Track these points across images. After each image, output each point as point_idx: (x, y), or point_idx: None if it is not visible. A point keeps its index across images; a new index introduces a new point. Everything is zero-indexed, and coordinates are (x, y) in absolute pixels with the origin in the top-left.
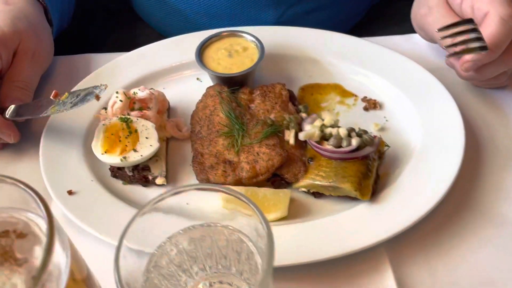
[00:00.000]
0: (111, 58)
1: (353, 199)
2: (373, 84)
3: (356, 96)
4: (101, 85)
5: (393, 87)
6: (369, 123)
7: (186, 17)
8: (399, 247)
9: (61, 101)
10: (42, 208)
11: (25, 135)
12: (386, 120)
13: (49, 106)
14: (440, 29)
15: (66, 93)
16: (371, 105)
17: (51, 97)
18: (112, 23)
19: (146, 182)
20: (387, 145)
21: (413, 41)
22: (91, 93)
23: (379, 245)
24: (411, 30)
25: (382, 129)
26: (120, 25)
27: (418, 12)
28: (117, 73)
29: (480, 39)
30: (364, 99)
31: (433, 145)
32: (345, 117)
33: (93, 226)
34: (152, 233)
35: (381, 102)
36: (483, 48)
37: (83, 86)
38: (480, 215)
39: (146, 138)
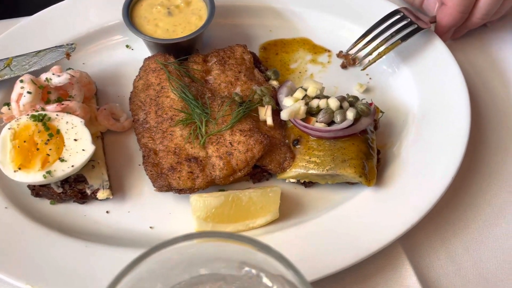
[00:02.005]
0: None
1: (352, 183)
2: (347, 35)
3: (329, 51)
4: (67, 44)
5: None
6: (351, 83)
7: None
8: (413, 234)
9: (5, 66)
10: None
11: None
12: (370, 79)
13: None
14: (351, 48)
15: (11, 58)
16: (350, 61)
17: None
18: None
19: (84, 198)
20: (382, 111)
21: None
22: (57, 52)
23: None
24: None
25: (367, 90)
26: None
27: None
28: (12, 47)
29: (411, 23)
30: (340, 55)
31: (432, 106)
32: (321, 79)
33: (18, 277)
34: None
35: (360, 56)
36: (415, 31)
37: None
38: (491, 180)
39: (75, 140)
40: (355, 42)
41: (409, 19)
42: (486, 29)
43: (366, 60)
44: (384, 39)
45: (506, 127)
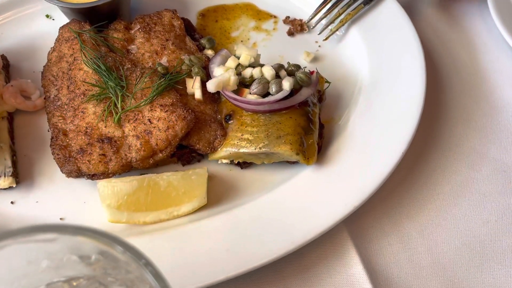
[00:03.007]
0: None
1: (292, 163)
2: None
3: (275, 17)
4: None
5: None
6: (298, 52)
7: None
8: (360, 217)
9: None
10: None
11: None
12: (319, 46)
13: None
14: (312, 17)
15: None
16: (297, 27)
17: None
18: None
19: None
20: (327, 81)
21: None
22: None
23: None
24: None
25: (315, 59)
26: None
27: None
28: None
29: None
30: (287, 20)
31: (384, 75)
32: (265, 47)
33: None
34: None
35: (309, 23)
36: None
37: None
38: (452, 155)
39: None
40: (316, 10)
41: None
42: None
43: (328, 29)
44: (346, 4)
45: (469, 96)
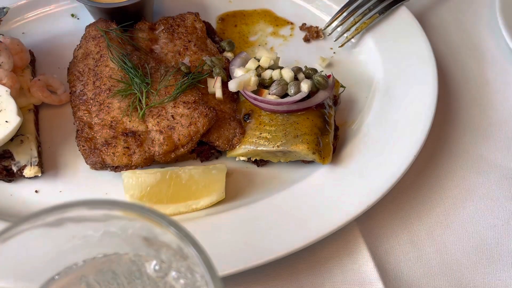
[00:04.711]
0: None
1: (307, 162)
2: (311, 7)
3: (292, 23)
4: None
5: (337, 7)
6: (313, 57)
7: None
8: (372, 216)
9: None
10: None
11: None
12: (334, 53)
13: None
14: (328, 24)
15: None
16: (313, 34)
17: None
18: None
19: (10, 175)
20: (343, 86)
21: None
22: None
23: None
24: None
25: (330, 64)
26: None
27: None
28: None
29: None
30: (303, 27)
31: (398, 82)
32: (282, 52)
33: None
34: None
35: (325, 30)
36: (394, 3)
37: None
38: (459, 161)
39: None
40: (332, 18)
41: None
42: (459, 2)
43: (343, 37)
44: (361, 13)
45: (477, 105)
